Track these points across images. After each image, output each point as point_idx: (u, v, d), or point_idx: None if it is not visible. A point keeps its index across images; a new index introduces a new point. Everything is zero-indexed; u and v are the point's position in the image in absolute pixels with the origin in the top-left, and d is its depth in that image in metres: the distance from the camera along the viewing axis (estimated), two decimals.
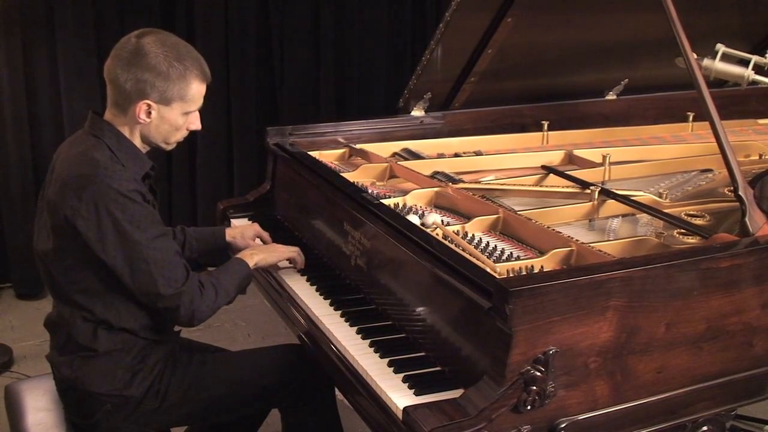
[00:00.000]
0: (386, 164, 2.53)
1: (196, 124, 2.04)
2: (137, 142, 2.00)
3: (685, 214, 2.15)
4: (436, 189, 2.30)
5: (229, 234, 2.38)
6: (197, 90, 1.99)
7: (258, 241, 2.38)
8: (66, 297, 1.98)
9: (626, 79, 3.13)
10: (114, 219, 1.85)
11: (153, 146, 2.04)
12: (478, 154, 2.73)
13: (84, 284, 1.94)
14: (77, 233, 1.87)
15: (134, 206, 1.87)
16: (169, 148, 2.07)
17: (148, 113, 1.95)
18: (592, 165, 2.54)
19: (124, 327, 1.98)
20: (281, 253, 2.23)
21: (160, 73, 1.92)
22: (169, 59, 1.92)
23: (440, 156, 2.71)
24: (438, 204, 2.29)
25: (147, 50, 1.91)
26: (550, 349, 1.53)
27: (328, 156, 2.67)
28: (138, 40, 1.93)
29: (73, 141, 2.02)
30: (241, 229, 2.40)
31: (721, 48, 2.19)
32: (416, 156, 2.66)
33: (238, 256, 2.15)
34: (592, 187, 2.24)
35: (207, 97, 2.06)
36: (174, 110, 1.97)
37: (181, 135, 2.04)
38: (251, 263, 2.13)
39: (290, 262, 2.27)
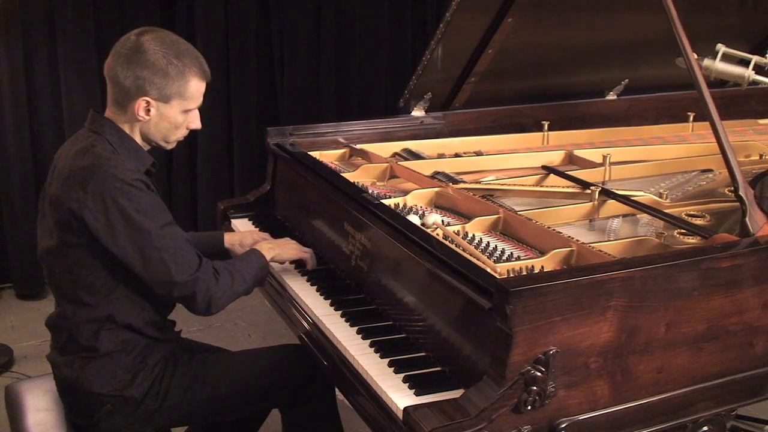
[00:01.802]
0: (386, 164, 2.52)
1: (195, 123, 2.04)
2: (138, 140, 2.01)
3: (686, 215, 2.15)
4: (436, 189, 2.30)
5: (228, 241, 2.37)
6: (196, 88, 1.99)
7: None
8: (69, 295, 1.98)
9: (627, 79, 3.13)
10: (121, 208, 1.85)
11: (153, 144, 2.04)
12: (478, 154, 2.73)
13: (88, 280, 1.94)
14: (83, 226, 1.87)
15: (140, 194, 1.87)
16: (170, 147, 2.07)
17: (147, 110, 1.95)
18: (592, 165, 2.54)
19: (128, 324, 1.98)
20: (295, 251, 2.23)
21: (159, 70, 1.92)
22: (168, 56, 1.93)
23: (440, 156, 2.71)
24: (438, 204, 2.29)
25: (146, 47, 1.92)
26: (551, 349, 1.53)
27: (328, 156, 2.67)
28: (138, 38, 1.94)
29: (74, 139, 2.02)
30: (240, 236, 2.40)
31: (721, 48, 2.19)
32: (416, 156, 2.66)
33: (255, 247, 2.16)
34: (592, 188, 2.24)
35: (207, 97, 2.06)
36: (173, 108, 1.97)
37: (181, 134, 2.04)
38: (267, 256, 2.13)
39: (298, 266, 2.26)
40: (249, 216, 2.68)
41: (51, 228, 1.96)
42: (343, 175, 2.42)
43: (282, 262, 2.26)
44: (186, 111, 2.00)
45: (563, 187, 2.35)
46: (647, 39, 2.80)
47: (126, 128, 1.99)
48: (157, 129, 1.99)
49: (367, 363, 1.79)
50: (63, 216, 1.91)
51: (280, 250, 2.20)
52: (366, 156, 2.63)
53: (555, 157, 2.65)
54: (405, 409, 1.57)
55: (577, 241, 1.91)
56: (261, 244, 2.20)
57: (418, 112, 2.87)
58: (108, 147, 1.94)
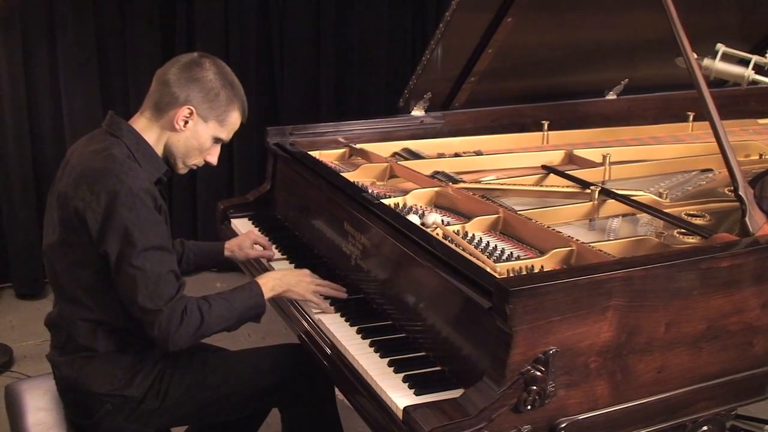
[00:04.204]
0: (386, 164, 2.53)
1: (214, 157, 2.08)
2: (159, 150, 2.01)
3: (686, 214, 2.15)
4: (436, 189, 2.31)
5: (228, 248, 2.38)
6: (234, 121, 2.05)
7: (257, 247, 2.38)
8: (68, 293, 1.98)
9: (626, 79, 3.13)
10: (120, 216, 1.85)
11: (171, 161, 2.05)
12: (478, 153, 2.73)
13: (86, 281, 1.94)
14: (84, 226, 1.87)
15: (142, 208, 1.87)
16: (183, 170, 2.09)
17: (186, 122, 1.98)
18: (592, 165, 2.54)
19: (125, 326, 1.98)
20: (307, 291, 2.06)
21: (212, 89, 1.98)
22: (223, 82, 2.01)
23: (440, 156, 2.71)
24: (438, 204, 2.29)
25: (207, 67, 2.00)
26: (551, 349, 1.53)
27: (328, 156, 2.67)
28: (200, 57, 2.02)
29: (90, 139, 2.03)
30: (238, 241, 2.40)
31: (721, 48, 2.18)
32: (416, 156, 2.66)
33: (257, 279, 2.06)
34: (592, 187, 2.24)
35: None
36: (209, 129, 2.01)
37: (199, 160, 2.07)
38: (268, 294, 2.03)
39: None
40: (249, 215, 2.69)
41: (55, 223, 1.96)
42: (342, 174, 2.42)
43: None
44: (216, 139, 2.04)
45: (563, 186, 2.35)
46: (647, 39, 2.80)
47: (153, 135, 2.00)
48: (185, 144, 2.01)
49: (366, 363, 1.79)
50: (67, 213, 1.91)
51: (288, 286, 2.05)
52: (366, 156, 2.63)
53: (555, 157, 2.65)
54: (405, 408, 1.57)
55: (577, 240, 1.91)
56: (266, 277, 2.07)
57: (417, 112, 2.87)
58: (124, 151, 1.94)
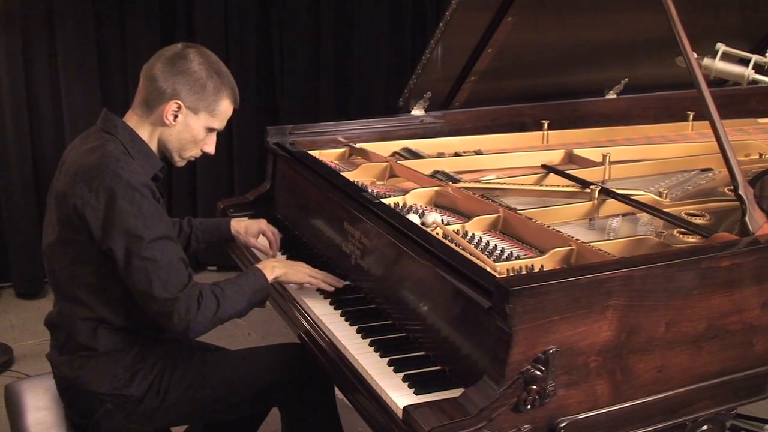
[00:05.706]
0: (386, 163, 2.53)
1: (210, 147, 2.07)
2: (153, 146, 2.01)
3: (686, 214, 2.15)
4: (436, 188, 2.31)
5: (234, 227, 2.39)
6: (225, 109, 2.03)
7: (261, 238, 2.38)
8: (68, 293, 1.98)
9: (626, 78, 3.13)
10: (121, 210, 1.84)
11: (167, 155, 2.04)
12: (478, 153, 2.73)
13: (86, 279, 1.94)
14: (83, 223, 1.87)
15: (143, 200, 1.87)
16: (180, 164, 2.08)
17: (175, 116, 1.97)
18: (592, 164, 2.54)
19: (125, 325, 1.98)
20: (304, 276, 2.11)
21: (199, 80, 1.96)
22: (209, 71, 1.98)
23: (440, 155, 2.71)
24: (438, 203, 2.29)
25: (192, 57, 1.98)
26: (550, 349, 1.53)
27: (328, 155, 2.67)
28: (184, 48, 2.00)
29: (86, 137, 2.03)
30: (246, 224, 2.40)
31: (721, 47, 2.19)
32: (416, 155, 2.66)
33: (258, 266, 2.08)
34: (592, 187, 2.24)
35: None
36: (200, 120, 2.00)
37: (196, 152, 2.06)
38: (270, 276, 2.05)
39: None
40: (249, 215, 2.68)
41: (54, 223, 1.97)
42: (342, 174, 2.42)
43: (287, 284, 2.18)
44: (209, 129, 2.03)
45: (563, 186, 2.35)
46: (647, 38, 2.80)
47: (145, 131, 2.00)
48: (178, 138, 2.01)
49: (366, 362, 1.79)
50: (66, 211, 1.91)
51: (286, 269, 2.10)
52: (366, 155, 2.63)
53: (555, 156, 2.65)
54: (405, 408, 1.57)
55: (577, 240, 1.91)
56: (266, 262, 2.11)
57: (417, 111, 2.87)
58: (119, 147, 1.94)
